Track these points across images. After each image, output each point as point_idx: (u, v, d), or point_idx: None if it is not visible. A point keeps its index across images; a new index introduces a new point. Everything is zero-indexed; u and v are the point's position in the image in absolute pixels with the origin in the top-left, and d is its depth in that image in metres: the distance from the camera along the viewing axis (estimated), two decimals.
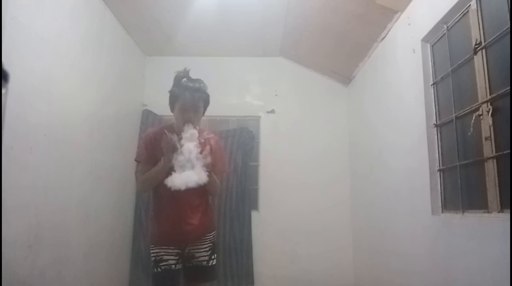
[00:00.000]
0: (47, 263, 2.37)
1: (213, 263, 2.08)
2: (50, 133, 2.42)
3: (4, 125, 1.87)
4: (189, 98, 1.98)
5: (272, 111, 4.40)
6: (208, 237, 2.08)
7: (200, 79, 2.07)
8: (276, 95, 4.44)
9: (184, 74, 2.05)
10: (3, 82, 1.64)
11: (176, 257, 1.98)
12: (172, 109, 2.08)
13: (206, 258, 2.05)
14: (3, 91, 1.62)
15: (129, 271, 3.87)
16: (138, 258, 3.89)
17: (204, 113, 2.11)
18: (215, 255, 2.11)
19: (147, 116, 4.20)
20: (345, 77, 4.34)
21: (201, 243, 2.05)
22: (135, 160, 2.08)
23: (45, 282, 2.34)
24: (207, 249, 2.06)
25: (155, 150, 1.96)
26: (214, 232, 2.14)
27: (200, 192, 1.98)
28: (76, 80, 2.77)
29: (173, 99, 2.04)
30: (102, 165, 3.21)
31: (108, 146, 3.34)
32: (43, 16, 2.34)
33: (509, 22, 1.68)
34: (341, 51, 3.86)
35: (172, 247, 1.98)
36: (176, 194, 1.87)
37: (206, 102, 2.10)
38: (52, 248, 2.41)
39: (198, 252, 2.04)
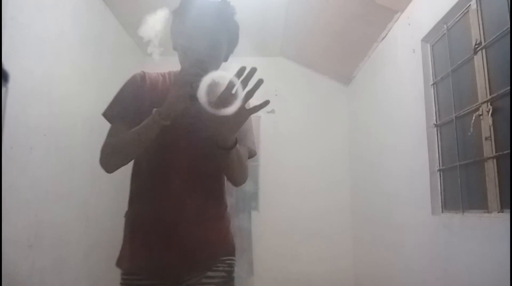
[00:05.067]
0: (47, 263, 2.37)
1: None
2: (50, 133, 2.42)
3: (4, 125, 1.87)
4: (203, 27, 1.12)
5: (272, 111, 4.40)
6: (221, 263, 1.14)
7: None
8: (276, 95, 4.44)
9: None
10: (3, 82, 1.64)
11: None
12: (175, 46, 1.20)
13: None
14: (3, 91, 1.62)
15: None
16: None
17: (227, 56, 1.23)
18: None
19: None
20: (345, 77, 4.33)
21: (205, 275, 1.10)
22: (102, 114, 1.18)
23: (45, 282, 2.34)
24: (220, 283, 1.12)
25: (142, 105, 1.10)
26: (231, 257, 1.17)
27: (212, 184, 1.16)
28: (76, 80, 2.77)
29: (177, 28, 1.18)
30: None
31: None
32: (43, 16, 2.34)
33: (509, 22, 1.68)
34: (341, 51, 3.86)
35: (151, 280, 1.10)
36: (170, 185, 1.09)
37: (233, 37, 1.22)
38: (52, 248, 2.41)
39: None
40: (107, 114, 1.16)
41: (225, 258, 1.14)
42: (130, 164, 1.15)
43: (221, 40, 1.17)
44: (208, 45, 1.12)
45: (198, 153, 1.11)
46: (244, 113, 0.98)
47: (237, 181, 1.17)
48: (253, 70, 0.93)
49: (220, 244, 1.15)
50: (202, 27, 1.13)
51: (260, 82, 0.92)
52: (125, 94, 1.18)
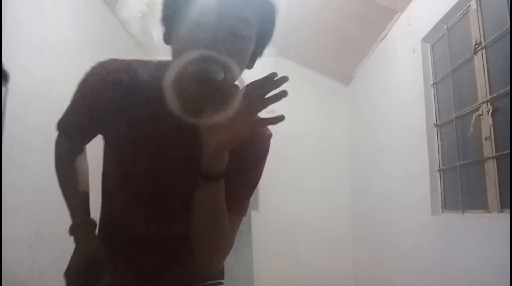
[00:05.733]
0: (47, 263, 2.37)
1: None
2: (50, 133, 2.41)
3: (4, 125, 1.87)
4: (221, 22, 0.69)
5: (272, 111, 4.39)
6: None
7: None
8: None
9: None
10: (3, 82, 1.64)
11: None
12: (167, 39, 0.76)
13: None
14: (3, 91, 1.62)
15: None
16: None
17: (254, 60, 0.88)
18: None
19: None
20: (345, 77, 4.33)
21: None
22: (57, 127, 0.98)
23: (45, 282, 2.34)
24: None
25: (105, 112, 0.81)
26: (219, 280, 0.98)
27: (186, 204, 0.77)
28: (76, 80, 2.76)
29: (172, 17, 0.74)
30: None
31: None
32: (43, 16, 2.34)
33: (509, 22, 1.68)
34: (341, 51, 3.86)
35: None
36: (141, 208, 0.85)
37: (268, 26, 0.79)
38: (52, 248, 2.41)
39: None
40: (62, 127, 0.97)
41: (209, 281, 0.95)
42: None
43: (250, 26, 0.72)
44: (229, 34, 0.69)
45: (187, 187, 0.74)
46: (249, 123, 0.68)
47: (203, 254, 0.78)
48: (285, 79, 0.67)
49: (202, 268, 0.87)
50: (217, 24, 0.68)
51: (283, 94, 0.67)
52: (82, 100, 0.90)
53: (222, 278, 0.98)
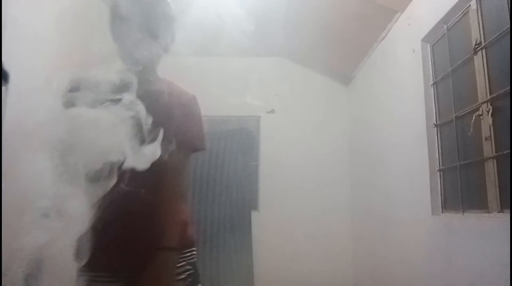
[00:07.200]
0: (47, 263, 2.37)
1: None
2: (50, 133, 2.42)
3: (4, 125, 1.87)
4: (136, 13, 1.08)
5: (272, 111, 4.40)
6: (181, 257, 1.15)
7: None
8: (276, 95, 4.44)
9: None
10: (3, 82, 1.64)
11: None
12: (114, 37, 1.16)
13: None
14: (3, 91, 1.61)
15: None
16: None
17: (166, 47, 1.21)
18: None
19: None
20: (345, 77, 4.34)
21: (165, 267, 1.08)
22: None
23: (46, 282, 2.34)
24: (183, 276, 1.13)
25: None
26: (192, 248, 1.20)
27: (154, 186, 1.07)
28: None
29: (115, 14, 1.13)
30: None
31: None
32: (43, 16, 2.34)
33: (509, 22, 1.68)
34: (341, 51, 3.86)
35: (108, 275, 1.10)
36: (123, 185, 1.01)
37: (167, 24, 1.17)
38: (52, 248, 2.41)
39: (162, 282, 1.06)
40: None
41: (184, 250, 1.16)
42: None
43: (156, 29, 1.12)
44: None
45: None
46: None
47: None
48: None
49: (174, 237, 1.10)
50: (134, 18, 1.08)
51: None
52: None
53: (193, 247, 1.20)
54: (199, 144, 1.18)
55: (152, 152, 0.98)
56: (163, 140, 0.98)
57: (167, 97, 1.15)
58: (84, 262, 1.00)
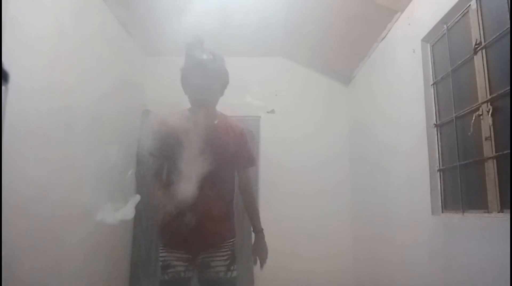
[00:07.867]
0: (47, 263, 2.37)
1: (233, 275, 1.81)
2: (50, 133, 2.42)
3: (4, 125, 1.87)
4: (201, 75, 1.71)
5: (272, 111, 4.40)
6: (226, 244, 1.83)
7: (215, 51, 1.77)
8: (276, 95, 4.44)
9: (196, 44, 1.73)
10: (3, 82, 1.64)
11: (186, 263, 1.75)
12: (185, 90, 1.83)
13: (224, 268, 1.79)
14: (3, 91, 1.62)
15: (129, 271, 3.87)
16: (138, 258, 3.89)
17: (222, 92, 1.87)
18: (235, 265, 1.84)
19: (147, 116, 4.20)
20: (345, 77, 4.34)
21: (217, 251, 1.79)
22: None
23: (45, 282, 2.34)
24: (225, 257, 1.80)
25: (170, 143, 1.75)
26: (234, 239, 1.88)
27: (223, 191, 1.81)
28: (76, 80, 2.77)
29: (184, 77, 1.79)
30: (102, 165, 3.21)
31: (108, 146, 3.34)
32: (43, 16, 2.34)
33: (509, 22, 1.68)
34: (341, 51, 3.86)
35: (181, 252, 1.75)
36: (196, 192, 1.64)
37: (223, 79, 1.83)
38: (52, 248, 2.41)
39: (213, 260, 1.78)
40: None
41: (230, 239, 1.86)
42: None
43: (214, 84, 1.79)
44: (206, 89, 1.75)
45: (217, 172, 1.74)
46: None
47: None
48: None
49: (227, 230, 1.86)
50: (200, 76, 1.70)
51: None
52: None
53: (234, 238, 1.89)
54: (250, 163, 1.95)
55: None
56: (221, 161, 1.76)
57: (225, 129, 1.81)
58: (166, 241, 1.74)
